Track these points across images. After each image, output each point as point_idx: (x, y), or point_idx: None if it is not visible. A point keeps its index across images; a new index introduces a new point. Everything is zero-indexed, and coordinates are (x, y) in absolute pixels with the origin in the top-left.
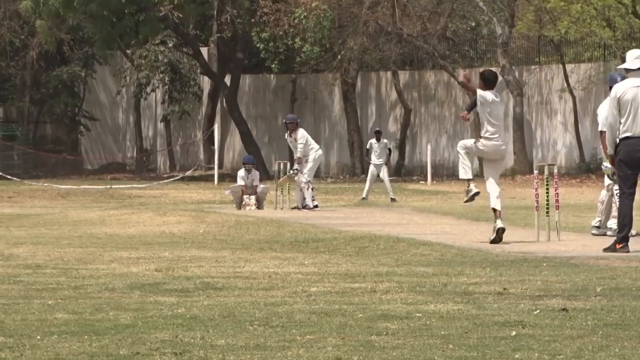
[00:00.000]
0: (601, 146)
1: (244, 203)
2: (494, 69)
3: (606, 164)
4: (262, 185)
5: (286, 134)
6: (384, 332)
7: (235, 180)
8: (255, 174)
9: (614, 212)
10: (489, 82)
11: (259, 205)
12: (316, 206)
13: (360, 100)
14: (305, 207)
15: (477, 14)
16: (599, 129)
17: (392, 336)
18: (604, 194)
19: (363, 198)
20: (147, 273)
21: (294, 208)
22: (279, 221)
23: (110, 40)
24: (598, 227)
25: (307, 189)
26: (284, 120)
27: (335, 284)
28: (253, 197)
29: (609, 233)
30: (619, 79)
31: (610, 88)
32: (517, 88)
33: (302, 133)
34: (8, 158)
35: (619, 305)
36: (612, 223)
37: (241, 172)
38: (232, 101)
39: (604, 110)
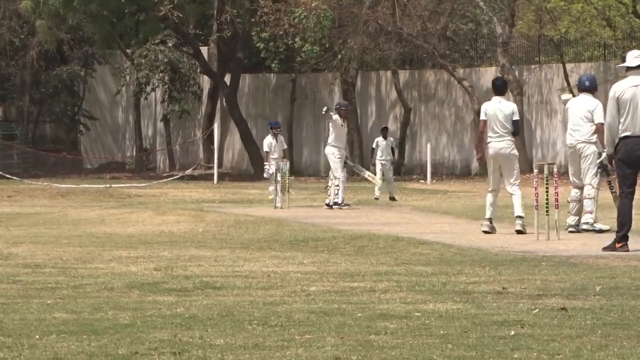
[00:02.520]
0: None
1: (270, 192)
2: (494, 68)
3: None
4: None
5: (270, 136)
6: (382, 332)
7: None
8: (281, 137)
9: (588, 208)
10: (495, 87)
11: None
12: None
13: (360, 100)
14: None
15: (478, 13)
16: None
17: (391, 335)
18: (575, 193)
19: (375, 198)
20: (146, 272)
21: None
22: (278, 220)
23: (110, 40)
24: (576, 226)
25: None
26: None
27: (334, 283)
28: (284, 161)
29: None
30: (586, 83)
31: (578, 88)
32: (517, 87)
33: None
34: (7, 157)
35: (618, 304)
36: (578, 219)
37: (269, 138)
38: (232, 100)
39: (571, 106)
